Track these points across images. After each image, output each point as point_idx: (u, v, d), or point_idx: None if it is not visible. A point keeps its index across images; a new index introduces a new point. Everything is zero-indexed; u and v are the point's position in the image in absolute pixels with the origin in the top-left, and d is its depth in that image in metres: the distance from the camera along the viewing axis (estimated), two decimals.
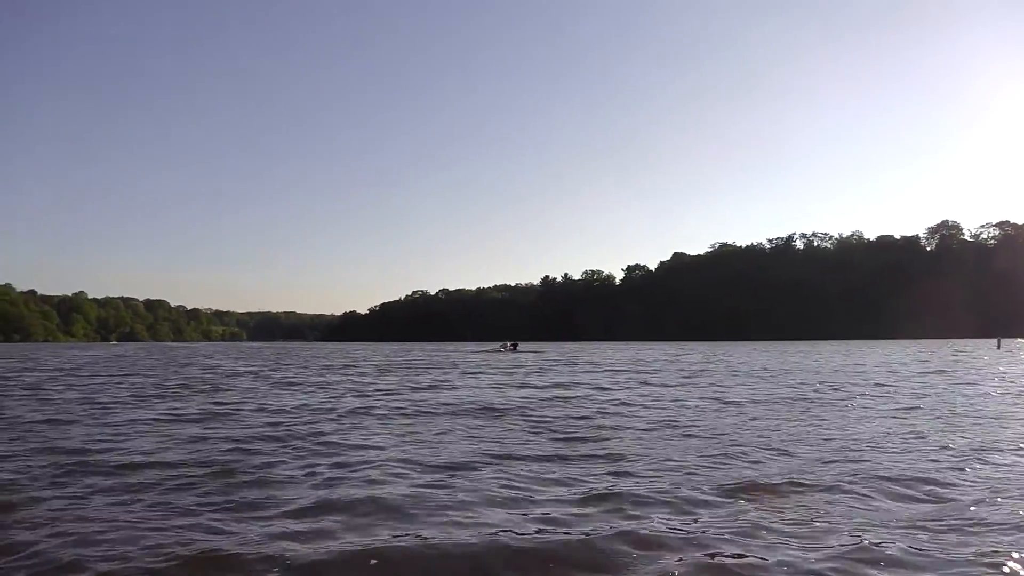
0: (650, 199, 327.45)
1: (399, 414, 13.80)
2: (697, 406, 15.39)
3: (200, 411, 14.48)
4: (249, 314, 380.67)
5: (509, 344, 69.78)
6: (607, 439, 10.65)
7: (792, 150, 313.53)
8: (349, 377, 27.30)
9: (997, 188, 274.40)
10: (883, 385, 21.47)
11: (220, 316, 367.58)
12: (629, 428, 11.85)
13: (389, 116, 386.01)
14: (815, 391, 19.17)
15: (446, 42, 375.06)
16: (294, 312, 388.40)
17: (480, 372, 30.57)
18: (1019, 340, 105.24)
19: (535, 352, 63.30)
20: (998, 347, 70.16)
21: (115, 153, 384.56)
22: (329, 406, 15.44)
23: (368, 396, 18.23)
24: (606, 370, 31.42)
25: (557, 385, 22.22)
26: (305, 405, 15.70)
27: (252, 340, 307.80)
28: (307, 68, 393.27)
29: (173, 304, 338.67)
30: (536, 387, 21.46)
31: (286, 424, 12.34)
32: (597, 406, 15.44)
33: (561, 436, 10.98)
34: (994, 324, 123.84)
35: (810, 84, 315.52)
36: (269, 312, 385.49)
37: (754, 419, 12.98)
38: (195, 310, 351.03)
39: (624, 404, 15.89)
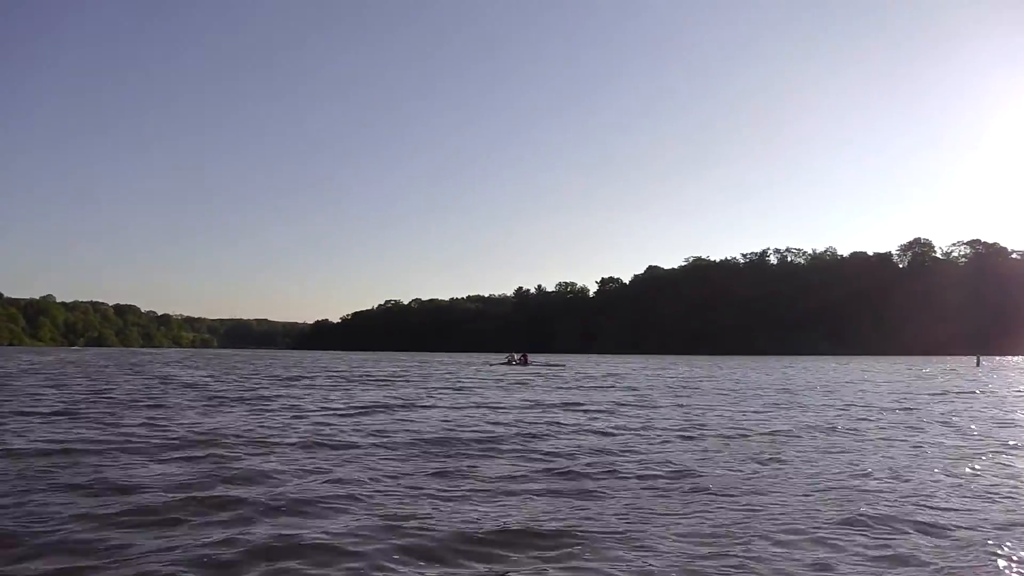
0: (625, 212, 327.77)
1: (320, 442, 11.97)
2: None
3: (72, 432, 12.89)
4: (221, 321, 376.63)
5: (517, 356, 63.76)
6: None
7: (767, 166, 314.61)
8: (307, 391, 25.65)
9: (969, 207, 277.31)
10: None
11: (191, 322, 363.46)
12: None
13: (365, 125, 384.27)
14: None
15: (423, 52, 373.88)
16: (266, 320, 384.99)
17: (477, 387, 29.11)
18: (998, 358, 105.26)
19: (551, 365, 59.62)
20: (977, 365, 69.42)
21: (87, 156, 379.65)
22: (238, 426, 13.78)
23: (304, 416, 16.60)
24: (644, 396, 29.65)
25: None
26: (215, 430, 13.50)
27: (223, 347, 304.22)
28: (283, 75, 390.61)
29: (144, 309, 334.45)
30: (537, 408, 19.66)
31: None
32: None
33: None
34: (970, 341, 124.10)
35: (788, 102, 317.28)
36: (241, 319, 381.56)
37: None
38: (166, 316, 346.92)
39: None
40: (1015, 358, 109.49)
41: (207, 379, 32.84)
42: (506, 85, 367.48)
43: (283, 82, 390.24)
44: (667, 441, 12.64)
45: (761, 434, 13.70)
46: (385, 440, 12.19)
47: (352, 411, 17.59)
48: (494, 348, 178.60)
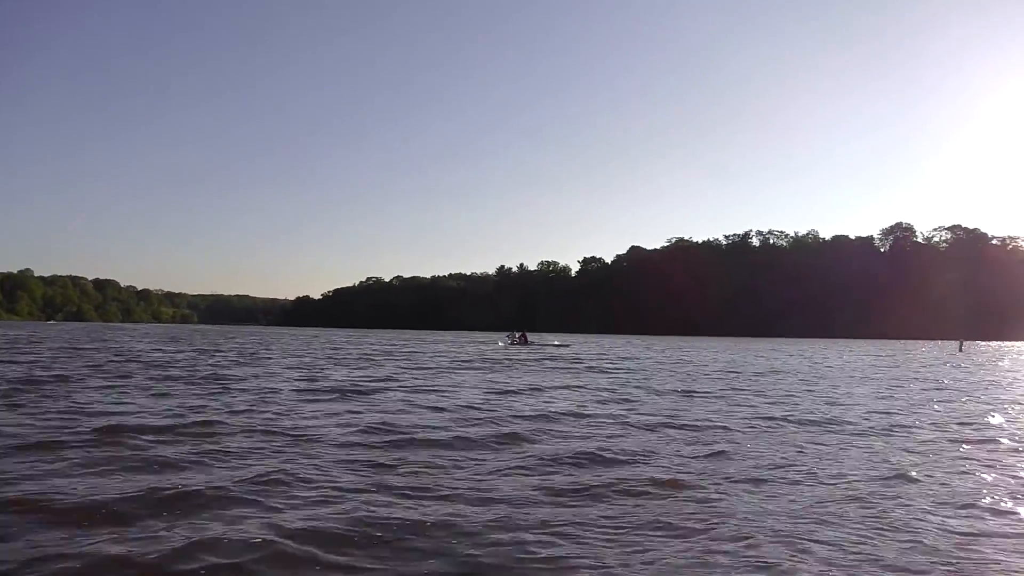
0: (608, 193, 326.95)
1: (253, 429, 10.92)
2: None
3: None
4: (201, 296, 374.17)
5: (517, 335, 60.96)
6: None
7: (751, 149, 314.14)
8: (275, 371, 24.60)
9: (950, 193, 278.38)
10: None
11: (171, 298, 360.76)
12: None
13: (349, 105, 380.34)
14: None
15: (409, 35, 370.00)
16: (247, 296, 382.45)
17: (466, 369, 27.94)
18: (981, 343, 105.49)
19: (557, 345, 57.29)
20: (960, 350, 69.20)
21: (69, 133, 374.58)
22: (171, 415, 12.66)
23: (262, 398, 15.56)
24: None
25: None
26: (143, 410, 12.62)
27: (203, 323, 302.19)
28: (267, 56, 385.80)
29: (123, 284, 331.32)
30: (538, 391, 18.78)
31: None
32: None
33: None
34: (952, 326, 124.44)
35: (770, 86, 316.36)
36: (221, 295, 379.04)
37: None
38: (145, 291, 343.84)
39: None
40: (997, 343, 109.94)
41: (172, 355, 31.72)
42: (490, 68, 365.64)
43: (266, 62, 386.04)
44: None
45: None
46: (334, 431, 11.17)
47: (319, 395, 16.49)
48: (477, 327, 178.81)
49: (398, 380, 21.21)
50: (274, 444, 9.72)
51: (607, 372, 27.66)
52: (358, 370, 25.75)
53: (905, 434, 12.12)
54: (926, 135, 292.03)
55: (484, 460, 9.08)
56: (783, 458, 9.57)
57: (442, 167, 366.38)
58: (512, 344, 57.81)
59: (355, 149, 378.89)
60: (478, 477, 8.11)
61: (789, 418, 13.73)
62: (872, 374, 29.69)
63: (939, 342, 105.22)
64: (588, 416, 13.38)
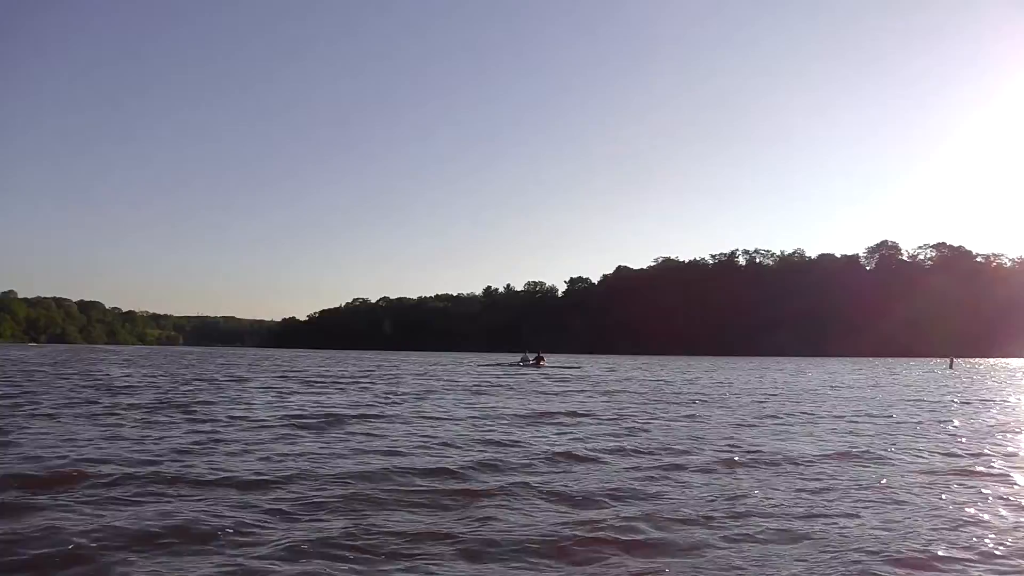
0: (594, 212, 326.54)
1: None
2: None
3: None
4: (187, 318, 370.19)
5: (531, 357, 56.55)
6: None
7: (736, 168, 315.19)
8: (251, 394, 23.57)
9: (935, 210, 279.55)
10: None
11: (157, 319, 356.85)
12: None
13: (332, 124, 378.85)
14: None
15: (389, 51, 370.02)
16: (234, 317, 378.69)
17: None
18: (973, 360, 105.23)
19: (573, 367, 54.22)
20: (950, 367, 68.91)
21: (51, 152, 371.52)
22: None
23: (222, 426, 14.59)
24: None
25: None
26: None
27: (189, 345, 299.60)
28: (251, 74, 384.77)
29: (108, 306, 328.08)
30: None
31: None
32: None
33: None
34: (939, 343, 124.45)
35: (757, 105, 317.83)
36: (208, 316, 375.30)
37: None
38: (131, 312, 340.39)
39: None
40: (985, 360, 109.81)
41: (143, 380, 30.62)
42: (472, 86, 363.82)
43: (249, 79, 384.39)
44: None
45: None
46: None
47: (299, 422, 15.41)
48: (464, 347, 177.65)
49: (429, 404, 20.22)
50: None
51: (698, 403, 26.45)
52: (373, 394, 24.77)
53: None
54: (910, 152, 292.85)
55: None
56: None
57: (428, 188, 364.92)
58: (526, 365, 54.94)
59: (341, 171, 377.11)
60: None
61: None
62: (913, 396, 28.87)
63: (929, 360, 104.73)
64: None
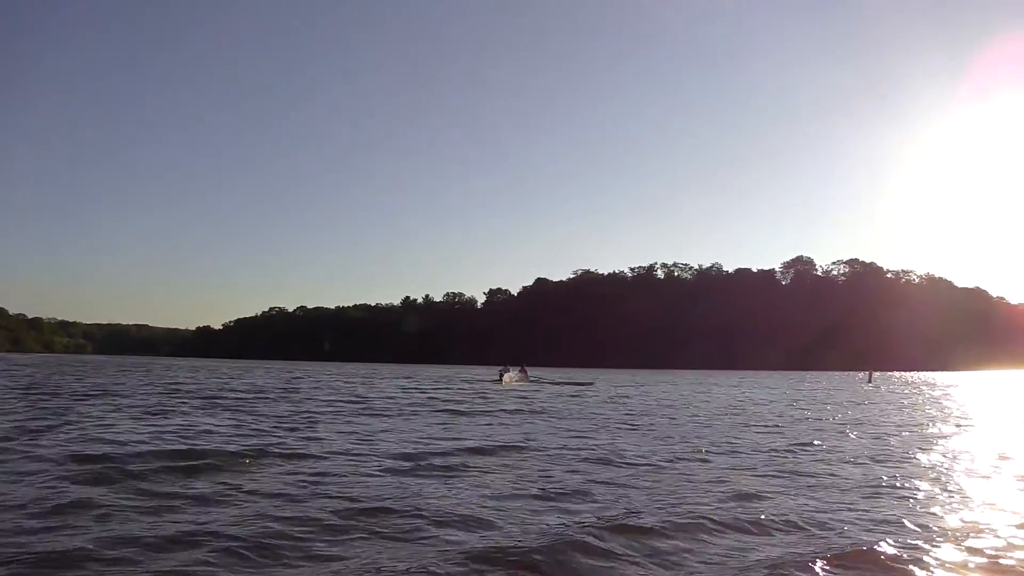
0: (513, 224, 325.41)
1: None
2: None
3: None
4: (97, 326, 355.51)
5: (514, 369, 49.70)
6: None
7: (653, 181, 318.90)
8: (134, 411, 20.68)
9: (847, 227, 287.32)
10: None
11: (65, 327, 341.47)
12: None
13: (245, 132, 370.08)
14: None
15: (313, 54, 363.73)
16: (146, 325, 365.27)
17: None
18: (890, 374, 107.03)
19: (576, 385, 45.64)
20: (869, 381, 69.42)
21: None
22: None
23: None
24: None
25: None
26: None
27: (98, 353, 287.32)
28: (172, 73, 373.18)
29: (12, 312, 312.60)
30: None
31: None
32: None
33: None
34: (853, 357, 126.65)
35: (672, 120, 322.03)
36: (119, 324, 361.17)
37: None
38: (36, 319, 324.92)
39: None
40: (900, 373, 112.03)
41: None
42: (394, 98, 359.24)
43: (170, 80, 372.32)
44: None
45: None
46: None
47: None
48: (383, 358, 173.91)
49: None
50: None
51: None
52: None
53: None
54: (826, 171, 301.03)
55: None
56: None
57: (346, 196, 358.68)
58: (508, 382, 46.50)
59: (257, 176, 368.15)
60: None
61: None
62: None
63: (847, 373, 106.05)
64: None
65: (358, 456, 11.71)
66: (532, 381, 48.17)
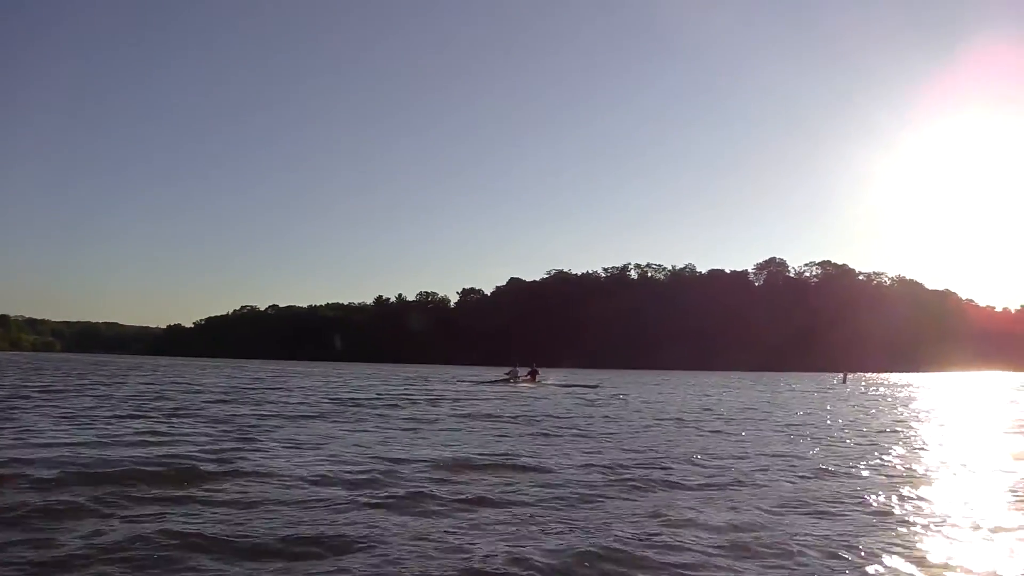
0: (488, 223, 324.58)
1: None
2: None
3: None
4: (67, 323, 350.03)
5: (523, 371, 47.13)
6: None
7: (627, 182, 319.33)
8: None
9: (820, 229, 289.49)
10: None
11: (33, 324, 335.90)
12: None
13: (215, 128, 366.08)
14: None
15: (287, 56, 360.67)
16: (117, 323, 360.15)
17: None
18: (862, 375, 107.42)
19: (588, 386, 43.26)
20: (843, 382, 69.61)
21: None
22: None
23: None
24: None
25: None
26: None
27: (68, 351, 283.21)
28: (146, 68, 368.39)
29: None
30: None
31: None
32: None
33: None
34: (823, 358, 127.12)
35: (645, 121, 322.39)
36: (89, 322, 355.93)
37: None
38: (4, 316, 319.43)
39: None
40: (873, 375, 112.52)
41: None
42: (365, 95, 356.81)
43: (145, 73, 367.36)
44: None
45: None
46: None
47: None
48: (358, 358, 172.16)
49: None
50: None
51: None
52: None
53: None
54: (799, 174, 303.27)
55: None
56: None
57: (318, 195, 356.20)
58: (516, 381, 45.28)
59: (230, 176, 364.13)
60: None
61: None
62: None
63: (821, 374, 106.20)
64: None
65: (291, 477, 10.47)
66: (543, 384, 45.28)
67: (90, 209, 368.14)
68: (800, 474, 11.25)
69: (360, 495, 8.85)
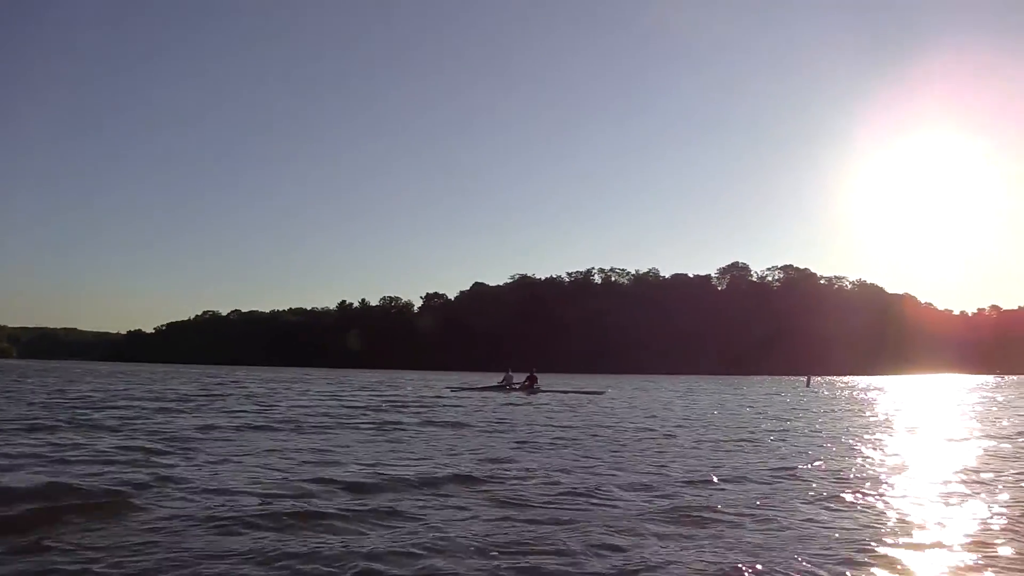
0: (451, 228, 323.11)
1: None
2: None
3: None
4: (24, 329, 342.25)
5: (518, 378, 42.68)
6: None
7: (590, 187, 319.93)
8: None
9: (782, 234, 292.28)
10: None
11: None
12: None
13: (181, 126, 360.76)
14: None
15: (253, 59, 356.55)
16: (75, 329, 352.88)
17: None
18: (828, 378, 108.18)
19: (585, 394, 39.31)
20: (808, 385, 69.82)
21: None
22: None
23: None
24: None
25: None
26: None
27: (24, 358, 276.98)
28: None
29: None
30: None
31: None
32: None
33: None
34: (784, 362, 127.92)
35: (606, 128, 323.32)
36: (47, 328, 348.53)
37: None
38: None
39: None
40: (836, 378, 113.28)
41: None
42: (326, 99, 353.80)
43: (114, 77, 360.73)
44: None
45: None
46: None
47: None
48: (323, 363, 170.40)
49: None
50: None
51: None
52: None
53: None
54: (761, 179, 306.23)
55: None
56: None
57: (281, 199, 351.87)
58: (512, 389, 40.85)
59: (189, 179, 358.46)
60: None
61: None
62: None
63: (785, 378, 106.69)
64: None
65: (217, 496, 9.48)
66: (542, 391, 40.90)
67: (47, 214, 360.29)
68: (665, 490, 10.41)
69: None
